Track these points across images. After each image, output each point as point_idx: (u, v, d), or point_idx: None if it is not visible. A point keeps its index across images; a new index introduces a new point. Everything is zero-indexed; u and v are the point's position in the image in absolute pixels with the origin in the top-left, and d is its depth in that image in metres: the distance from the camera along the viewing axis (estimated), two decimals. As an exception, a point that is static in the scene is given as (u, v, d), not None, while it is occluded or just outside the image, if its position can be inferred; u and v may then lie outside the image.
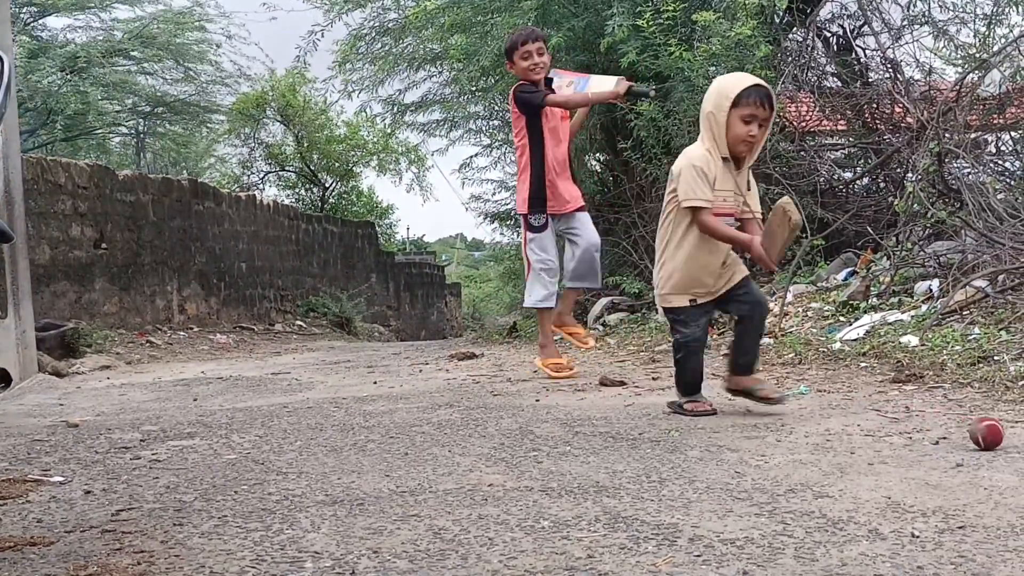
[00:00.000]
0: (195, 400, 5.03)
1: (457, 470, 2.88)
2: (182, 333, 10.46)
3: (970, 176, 6.55)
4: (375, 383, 5.62)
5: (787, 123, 8.39)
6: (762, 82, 3.72)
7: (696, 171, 3.69)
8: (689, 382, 3.88)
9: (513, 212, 10.97)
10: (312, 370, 6.74)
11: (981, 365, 4.27)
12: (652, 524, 2.20)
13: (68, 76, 15.63)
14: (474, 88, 10.38)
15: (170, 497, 2.62)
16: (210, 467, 3.05)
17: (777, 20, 8.54)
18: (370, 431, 3.68)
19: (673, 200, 3.79)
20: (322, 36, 10.90)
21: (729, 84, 3.72)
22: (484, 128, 11.38)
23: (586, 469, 2.83)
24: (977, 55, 7.35)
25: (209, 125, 20.03)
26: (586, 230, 5.30)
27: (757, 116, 3.63)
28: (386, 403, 4.58)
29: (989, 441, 2.85)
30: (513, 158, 11.19)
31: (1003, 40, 7.43)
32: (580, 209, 5.35)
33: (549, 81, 5.23)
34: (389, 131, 15.81)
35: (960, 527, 2.09)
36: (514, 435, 3.48)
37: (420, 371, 6.31)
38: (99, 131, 18.08)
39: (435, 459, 3.06)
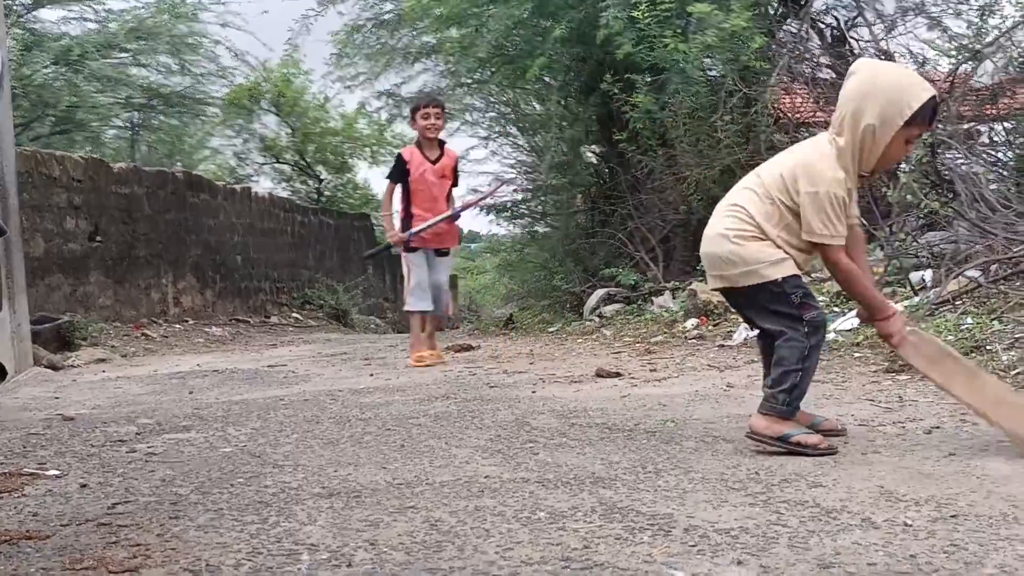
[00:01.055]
0: (191, 393, 5.04)
1: (454, 462, 2.88)
2: (178, 326, 10.46)
3: (963, 167, 6.57)
4: (371, 375, 5.63)
5: (782, 114, 8.41)
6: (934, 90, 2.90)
7: (838, 202, 2.86)
8: (802, 392, 2.93)
9: (509, 204, 11.01)
10: (308, 362, 6.75)
11: (974, 355, 4.28)
12: (648, 514, 2.21)
13: (62, 69, 15.57)
14: (471, 80, 10.39)
15: (166, 490, 2.63)
16: (206, 460, 3.05)
17: (772, 12, 8.56)
18: (367, 423, 3.69)
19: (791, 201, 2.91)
20: (315, 21, 10.87)
21: (908, 94, 2.82)
22: (481, 120, 11.39)
23: (582, 460, 2.84)
24: (970, 46, 7.36)
25: (203, 117, 19.97)
26: (439, 271, 6.29)
27: (921, 135, 2.87)
28: (382, 395, 4.59)
29: None
30: (509, 150, 11.26)
31: (996, 31, 7.44)
32: (442, 253, 6.31)
33: (442, 143, 6.24)
34: (385, 123, 15.81)
35: (952, 516, 2.10)
36: (510, 427, 3.50)
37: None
38: (94, 124, 18.00)
39: (432, 451, 3.07)
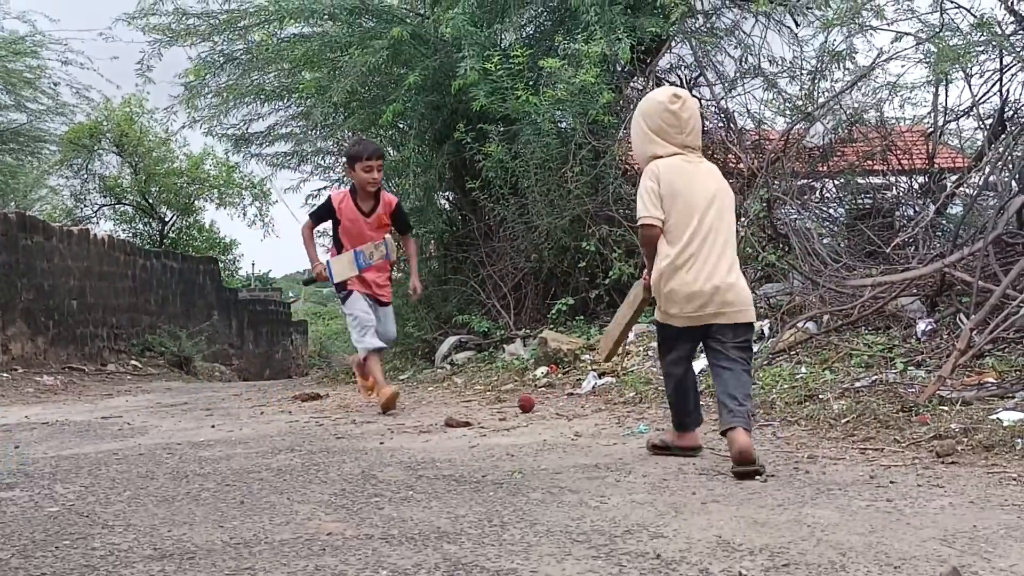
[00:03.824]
0: (16, 447, 4.73)
1: (295, 518, 2.80)
2: (5, 375, 9.86)
3: (797, 222, 6.91)
4: (213, 427, 5.43)
5: (629, 166, 8.65)
6: None
7: None
8: None
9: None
10: (146, 414, 6.46)
11: (807, 404, 4.48)
12: (491, 570, 2.19)
13: None
14: (326, 123, 10.30)
15: (-18, 556, 2.45)
16: (30, 521, 2.87)
17: (619, 68, 8.82)
18: (205, 479, 3.55)
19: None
20: (160, 58, 10.44)
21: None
22: (334, 164, 11.28)
23: (428, 514, 2.81)
24: (803, 107, 7.79)
25: (40, 155, 19.06)
26: (386, 322, 6.07)
27: None
28: (223, 448, 4.43)
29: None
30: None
31: (827, 94, 7.90)
32: (382, 303, 6.03)
33: (377, 192, 5.88)
34: (232, 164, 15.48)
35: (784, 564, 2.17)
36: (356, 480, 3.43)
37: (261, 413, 6.14)
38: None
39: (272, 507, 2.97)
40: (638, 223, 3.74)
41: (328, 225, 6.11)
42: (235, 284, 23.69)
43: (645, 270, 3.80)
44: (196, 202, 21.44)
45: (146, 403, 7.51)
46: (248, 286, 26.64)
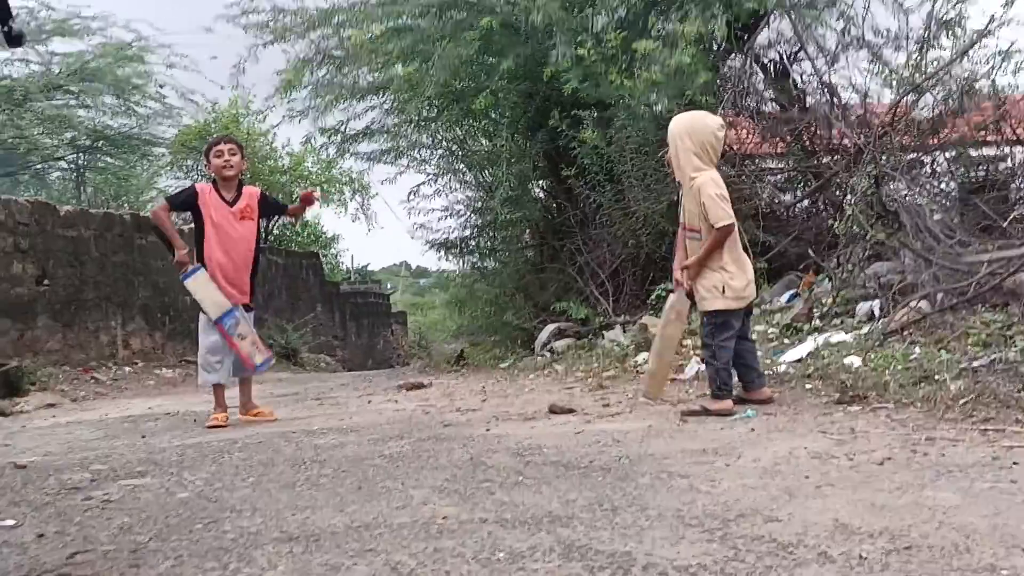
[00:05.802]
0: (144, 437, 4.96)
1: (411, 503, 2.87)
2: (127, 368, 10.29)
3: (907, 198, 6.71)
4: (325, 416, 5.58)
5: (728, 147, 8.53)
6: None
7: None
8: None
9: (457, 239, 11.03)
10: (259, 403, 6.66)
11: (923, 385, 4.36)
12: (606, 553, 2.22)
13: (5, 110, 15.37)
14: (419, 118, 10.42)
15: (124, 538, 2.58)
16: (163, 506, 3.01)
17: (716, 47, 8.69)
18: (322, 465, 3.66)
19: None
20: (257, 60, 10.67)
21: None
22: (429, 157, 11.41)
23: (539, 499, 2.85)
24: (911, 79, 7.53)
25: (150, 158, 19.76)
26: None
27: None
28: (336, 436, 4.55)
29: None
30: (455, 186, 11.27)
31: (936, 63, 7.62)
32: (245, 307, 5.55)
33: (241, 183, 5.55)
34: (329, 160, 15.77)
35: (906, 548, 2.14)
36: (466, 466, 3.49)
37: (369, 402, 6.28)
38: (38, 165, 17.76)
39: (388, 492, 3.06)
40: (720, 225, 4.53)
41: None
42: (337, 278, 24.16)
43: (684, 275, 4.70)
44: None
45: (258, 393, 7.71)
46: (349, 279, 27.13)
